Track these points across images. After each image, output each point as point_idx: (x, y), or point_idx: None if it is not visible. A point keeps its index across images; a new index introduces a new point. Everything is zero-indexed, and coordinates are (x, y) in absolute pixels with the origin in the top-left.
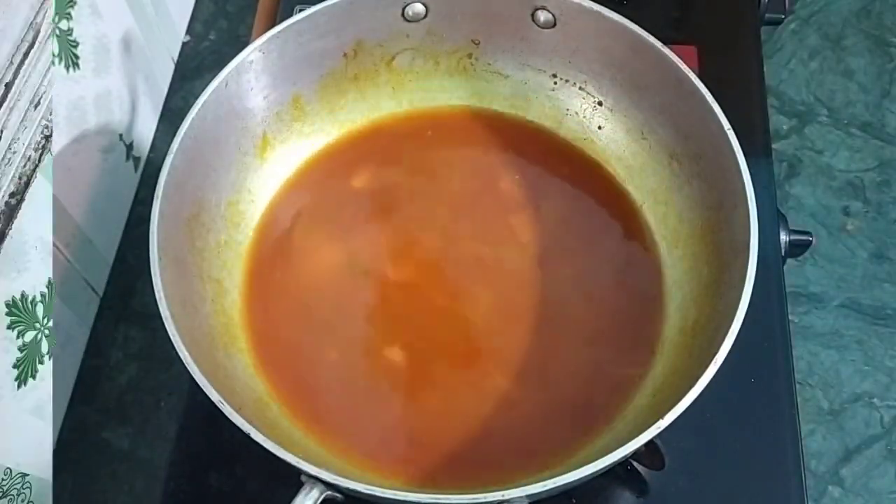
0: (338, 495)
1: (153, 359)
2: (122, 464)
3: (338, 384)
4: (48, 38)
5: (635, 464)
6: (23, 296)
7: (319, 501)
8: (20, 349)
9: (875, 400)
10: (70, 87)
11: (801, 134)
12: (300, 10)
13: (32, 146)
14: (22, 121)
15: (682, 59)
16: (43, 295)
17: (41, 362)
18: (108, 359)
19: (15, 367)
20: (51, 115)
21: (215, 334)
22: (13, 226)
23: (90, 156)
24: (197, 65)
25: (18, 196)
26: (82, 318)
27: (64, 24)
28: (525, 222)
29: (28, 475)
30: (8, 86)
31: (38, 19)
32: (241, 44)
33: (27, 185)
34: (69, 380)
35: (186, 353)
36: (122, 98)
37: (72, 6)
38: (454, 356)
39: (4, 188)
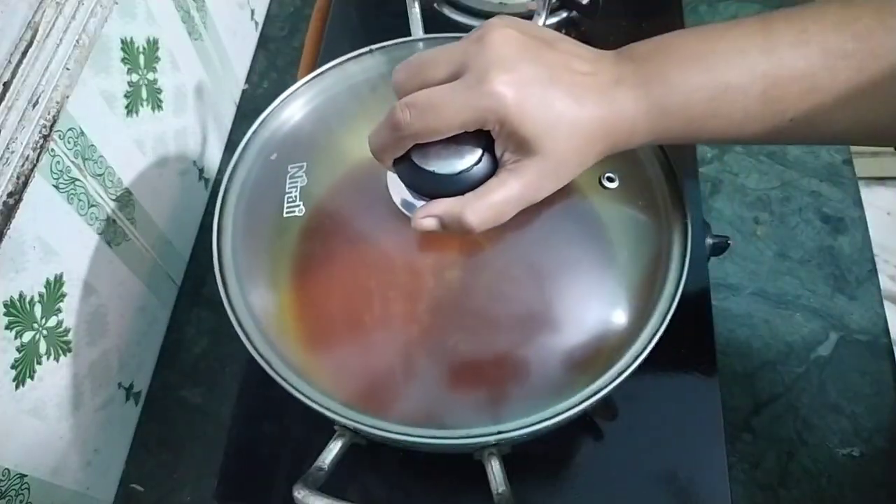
0: (363, 441)
1: (220, 334)
2: (195, 415)
3: (360, 356)
4: (46, 36)
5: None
6: (21, 296)
7: (348, 445)
8: (18, 349)
9: (778, 366)
10: (155, 125)
11: (721, 160)
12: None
13: (31, 146)
14: (20, 120)
15: None
16: (41, 295)
17: (39, 363)
18: (185, 334)
19: (13, 367)
20: (50, 114)
21: (268, 317)
22: (11, 225)
23: (170, 177)
24: (254, 107)
25: (16, 196)
26: (164, 302)
27: (151, 76)
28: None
29: (27, 476)
30: (6, 85)
31: (37, 18)
32: None
33: (25, 184)
34: (155, 350)
35: (244, 335)
36: (196, 133)
37: (157, 62)
38: (467, 332)
39: (2, 188)
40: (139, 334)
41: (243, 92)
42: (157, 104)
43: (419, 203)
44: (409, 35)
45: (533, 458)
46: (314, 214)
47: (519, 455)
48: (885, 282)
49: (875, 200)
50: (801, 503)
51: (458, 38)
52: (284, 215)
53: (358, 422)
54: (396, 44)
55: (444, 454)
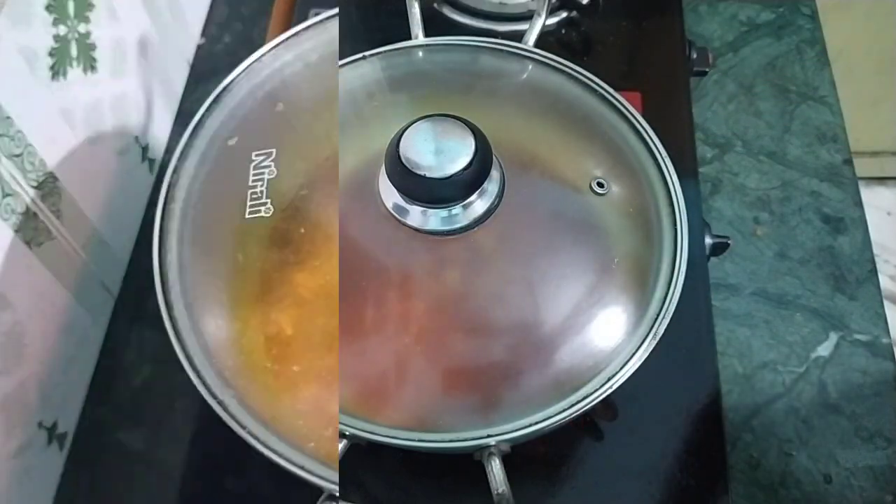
0: (362, 441)
1: (167, 360)
2: (136, 464)
3: (352, 362)
4: None
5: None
6: None
7: (348, 446)
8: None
9: (778, 367)
10: (88, 90)
11: (721, 160)
12: (315, 14)
13: None
14: None
15: (629, 102)
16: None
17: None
18: (123, 360)
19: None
20: None
21: (225, 344)
22: None
23: (106, 158)
24: (212, 67)
25: None
26: (97, 319)
27: (82, 28)
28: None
29: None
30: None
31: None
32: (255, 46)
33: None
34: (85, 381)
35: (192, 373)
36: (139, 100)
37: (90, 9)
38: (457, 334)
39: None
40: (65, 360)
41: (198, 48)
42: (89, 64)
43: (411, 207)
44: (410, 35)
45: (533, 458)
46: (285, 215)
47: (519, 455)
48: (885, 282)
49: (875, 200)
50: (800, 503)
51: (456, 42)
52: (247, 216)
53: (353, 427)
54: (390, 50)
55: (443, 455)
